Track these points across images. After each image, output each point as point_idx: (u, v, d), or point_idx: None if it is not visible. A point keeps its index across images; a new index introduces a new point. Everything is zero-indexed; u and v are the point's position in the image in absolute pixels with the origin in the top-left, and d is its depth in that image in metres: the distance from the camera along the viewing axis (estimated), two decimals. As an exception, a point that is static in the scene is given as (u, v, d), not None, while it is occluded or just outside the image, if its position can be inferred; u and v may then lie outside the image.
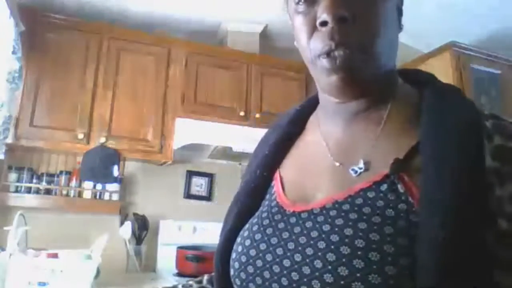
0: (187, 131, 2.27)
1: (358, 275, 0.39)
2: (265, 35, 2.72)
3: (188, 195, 2.60)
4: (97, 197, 2.24)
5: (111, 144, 2.15)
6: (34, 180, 2.15)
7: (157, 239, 2.41)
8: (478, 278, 0.36)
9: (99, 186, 2.23)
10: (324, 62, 0.47)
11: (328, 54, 0.46)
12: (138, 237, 2.31)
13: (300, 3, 0.49)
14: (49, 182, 2.17)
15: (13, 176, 2.11)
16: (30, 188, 2.12)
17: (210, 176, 2.67)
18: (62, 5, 2.29)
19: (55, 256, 1.64)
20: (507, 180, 0.39)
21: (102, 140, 2.13)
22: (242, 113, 2.41)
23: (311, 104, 0.63)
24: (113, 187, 2.26)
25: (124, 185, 2.40)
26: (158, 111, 2.27)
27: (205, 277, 0.70)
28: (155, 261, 2.38)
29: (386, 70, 0.51)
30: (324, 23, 0.46)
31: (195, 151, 2.51)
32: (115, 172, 2.16)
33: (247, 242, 0.51)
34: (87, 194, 2.22)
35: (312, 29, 0.48)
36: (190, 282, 0.70)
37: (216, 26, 2.66)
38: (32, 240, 1.84)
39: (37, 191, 2.14)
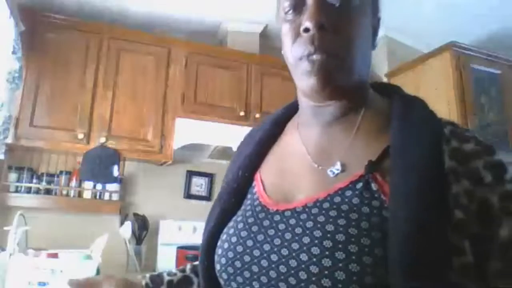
0: (187, 131, 2.28)
1: (340, 265, 0.43)
2: (265, 35, 2.72)
3: (188, 195, 2.60)
4: (97, 197, 2.24)
5: (111, 144, 2.15)
6: (34, 180, 2.15)
7: (157, 239, 2.41)
8: (441, 267, 0.40)
9: (99, 186, 2.23)
10: (305, 64, 0.53)
11: (308, 57, 0.52)
12: (138, 237, 2.31)
13: (289, 12, 0.55)
14: (49, 182, 2.17)
15: (13, 176, 2.12)
16: (30, 188, 2.12)
17: (210, 176, 2.67)
18: (62, 5, 2.29)
19: (55, 256, 1.64)
20: (462, 178, 0.45)
21: (102, 140, 2.13)
22: (242, 113, 2.41)
23: (293, 108, 0.68)
24: (113, 187, 2.26)
25: (124, 185, 2.40)
26: (158, 111, 2.27)
27: (188, 266, 0.74)
28: (155, 261, 2.38)
29: (359, 80, 0.57)
30: (306, 30, 0.52)
31: (195, 151, 2.51)
32: (115, 172, 2.16)
33: (233, 239, 0.54)
34: (87, 194, 2.23)
35: (296, 35, 0.54)
36: (174, 271, 0.74)
37: (216, 26, 2.66)
38: (32, 240, 1.84)
39: (37, 191, 2.14)
